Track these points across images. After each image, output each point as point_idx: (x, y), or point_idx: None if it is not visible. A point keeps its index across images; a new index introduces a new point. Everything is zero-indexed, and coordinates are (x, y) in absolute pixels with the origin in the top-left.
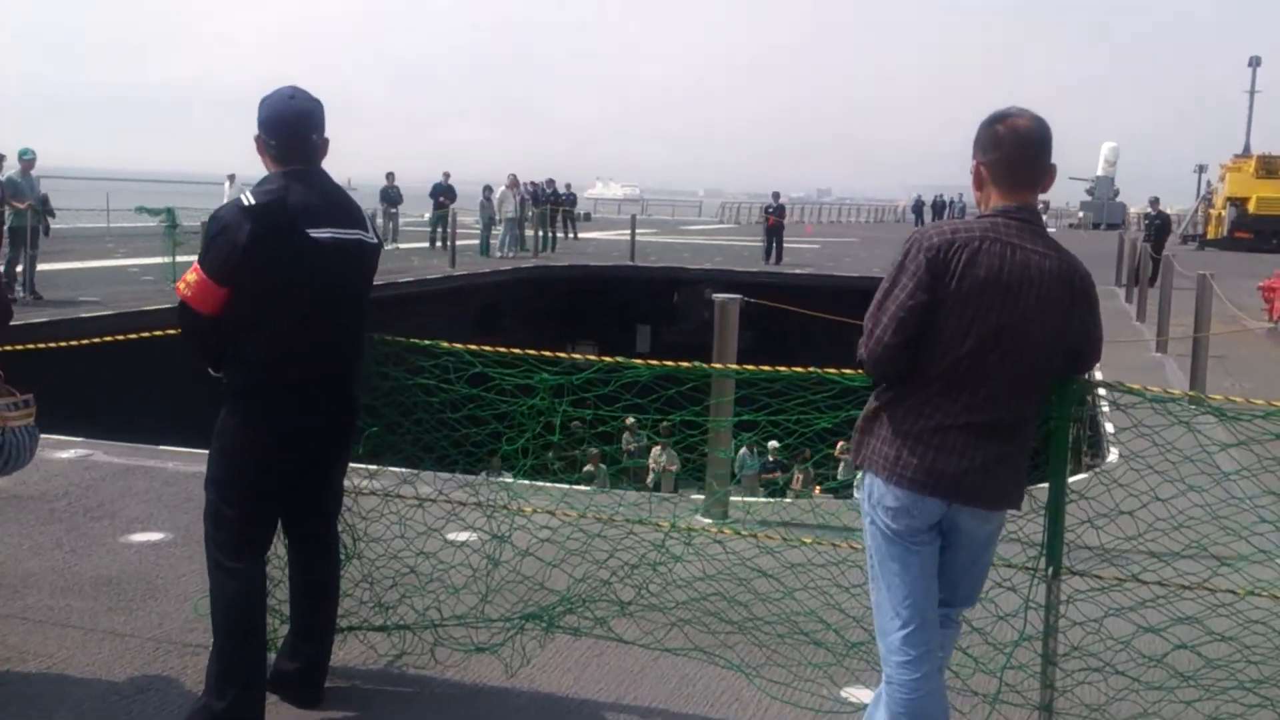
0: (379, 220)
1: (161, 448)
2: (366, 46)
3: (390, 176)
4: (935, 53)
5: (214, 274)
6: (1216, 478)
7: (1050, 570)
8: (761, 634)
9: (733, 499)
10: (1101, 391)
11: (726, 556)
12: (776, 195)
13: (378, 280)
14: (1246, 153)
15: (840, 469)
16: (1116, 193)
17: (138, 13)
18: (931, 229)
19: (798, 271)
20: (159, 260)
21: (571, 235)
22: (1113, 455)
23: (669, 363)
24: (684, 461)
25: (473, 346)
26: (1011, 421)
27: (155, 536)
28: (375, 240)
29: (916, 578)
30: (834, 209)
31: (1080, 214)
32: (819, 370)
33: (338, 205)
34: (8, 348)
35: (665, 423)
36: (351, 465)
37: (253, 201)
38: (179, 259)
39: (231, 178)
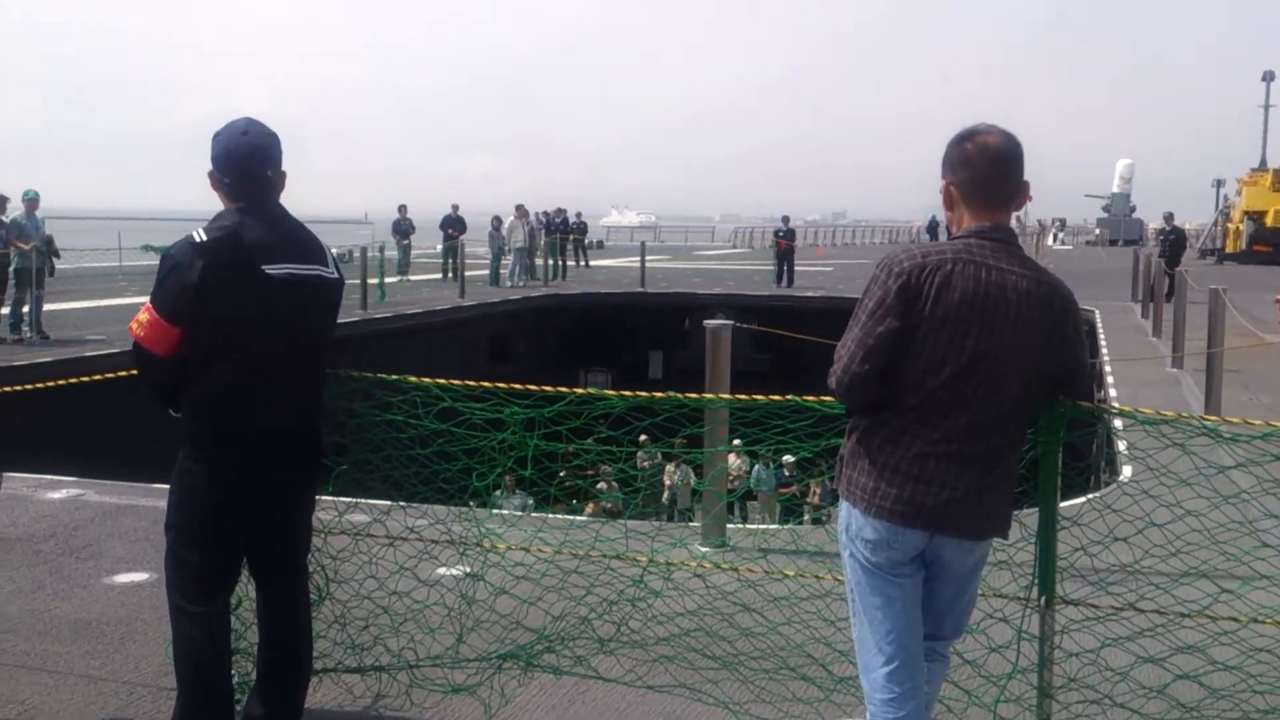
0: (390, 253)
1: (155, 485)
2: (385, 83)
3: (402, 209)
4: (952, 73)
5: (165, 313)
6: (1215, 501)
7: (1043, 600)
8: (746, 670)
9: (730, 526)
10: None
11: (707, 591)
12: (786, 219)
13: (387, 311)
14: (1263, 166)
15: None
16: (1133, 209)
17: (166, 58)
18: (902, 252)
19: (809, 294)
20: None
21: (583, 263)
22: (1125, 473)
23: (642, 393)
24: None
25: (441, 380)
26: (994, 448)
27: (139, 577)
28: (335, 275)
29: (899, 612)
30: (848, 231)
31: (1097, 231)
32: (797, 398)
33: (294, 240)
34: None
35: (679, 439)
36: (323, 503)
37: (204, 238)
38: None
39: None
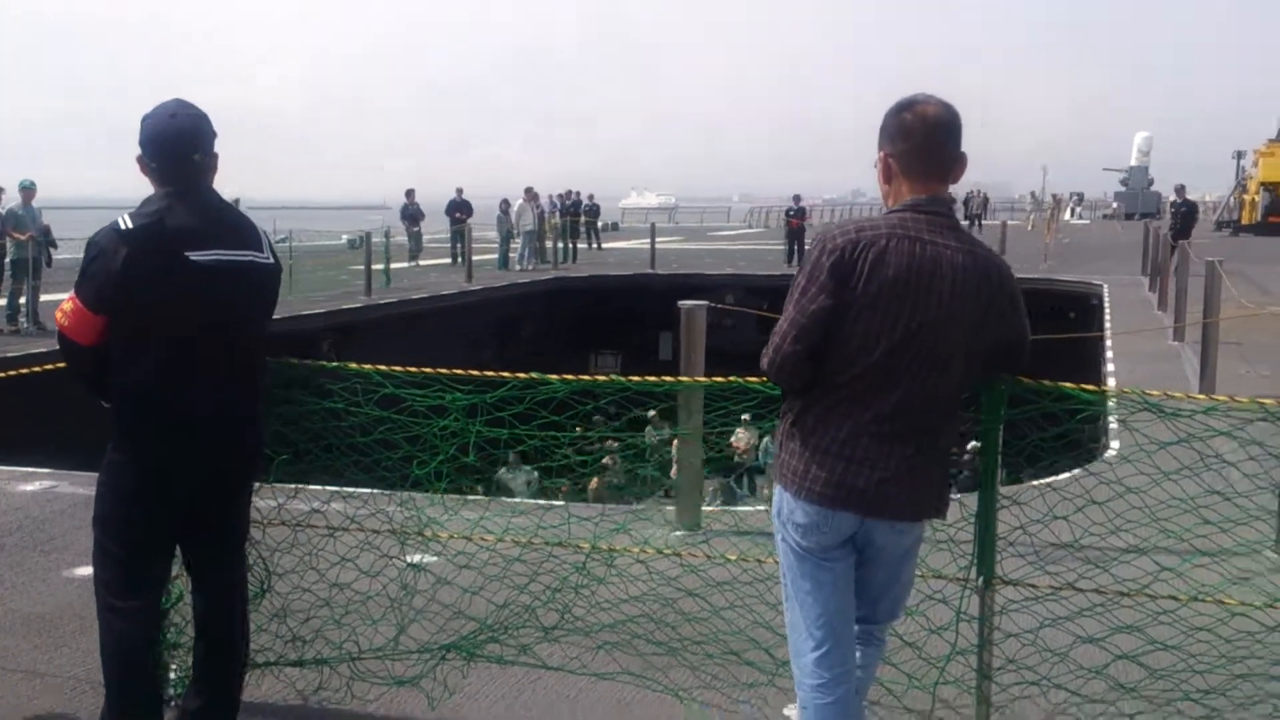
0: (399, 238)
1: None
2: (405, 70)
3: (410, 194)
4: (973, 52)
5: (89, 302)
6: (1155, 478)
7: (981, 580)
8: (691, 655)
9: (709, 509)
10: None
11: (650, 576)
12: (797, 198)
13: (391, 297)
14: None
15: None
16: (1151, 182)
17: (185, 47)
18: (836, 228)
19: None
20: None
21: (595, 246)
22: (1112, 450)
23: (585, 377)
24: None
25: (382, 367)
26: (929, 427)
27: None
28: (270, 261)
29: (830, 596)
30: (866, 209)
31: (1114, 205)
32: (741, 379)
33: (226, 226)
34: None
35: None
36: (262, 492)
37: (129, 225)
38: None
39: (236, 201)
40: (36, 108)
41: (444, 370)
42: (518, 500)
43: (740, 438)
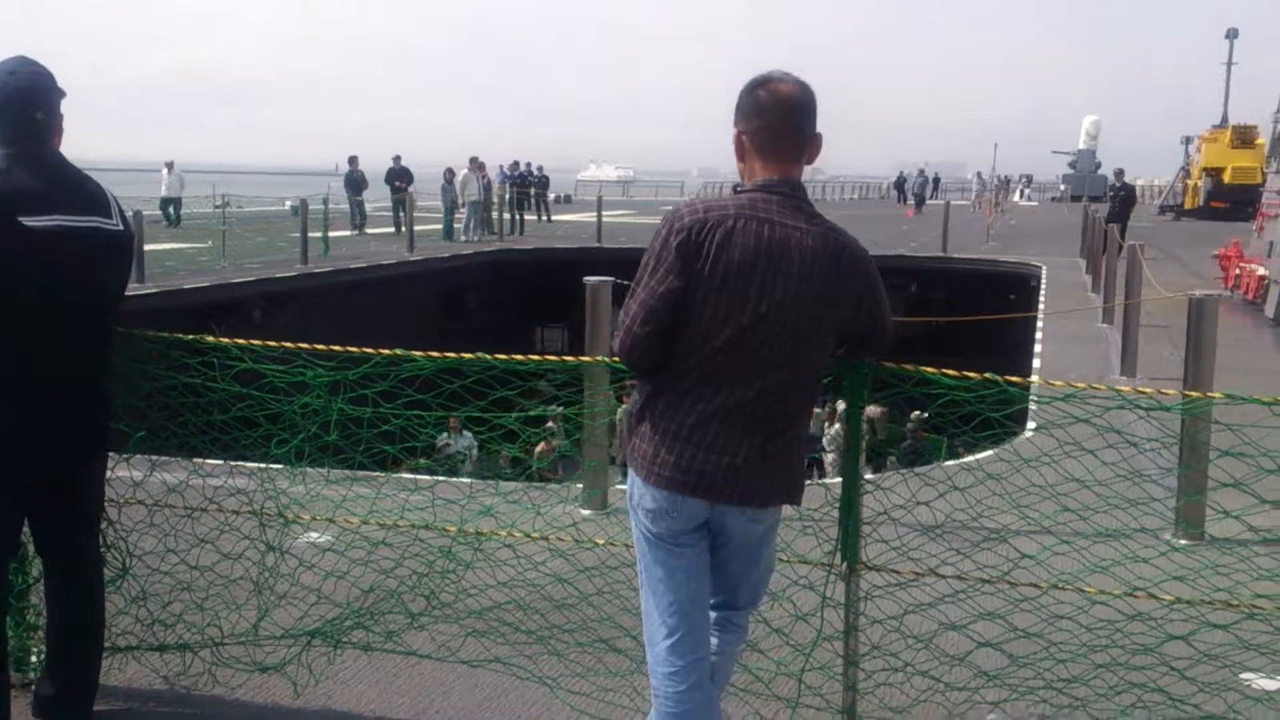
0: (340, 205)
1: None
2: (364, 33)
3: (353, 160)
4: (928, 29)
5: None
6: (1015, 464)
7: (846, 565)
8: (559, 643)
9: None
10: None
11: (518, 561)
12: None
13: (328, 266)
14: (1224, 123)
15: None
16: (1098, 166)
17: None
18: (685, 207)
19: None
20: None
21: (545, 218)
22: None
23: (450, 354)
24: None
25: (241, 341)
26: (780, 411)
27: None
28: (120, 228)
29: (681, 583)
30: (822, 186)
31: (1062, 187)
32: (608, 360)
33: (70, 190)
34: None
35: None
36: (117, 472)
37: None
38: None
39: (170, 165)
40: None
41: (305, 345)
42: (379, 474)
43: None
